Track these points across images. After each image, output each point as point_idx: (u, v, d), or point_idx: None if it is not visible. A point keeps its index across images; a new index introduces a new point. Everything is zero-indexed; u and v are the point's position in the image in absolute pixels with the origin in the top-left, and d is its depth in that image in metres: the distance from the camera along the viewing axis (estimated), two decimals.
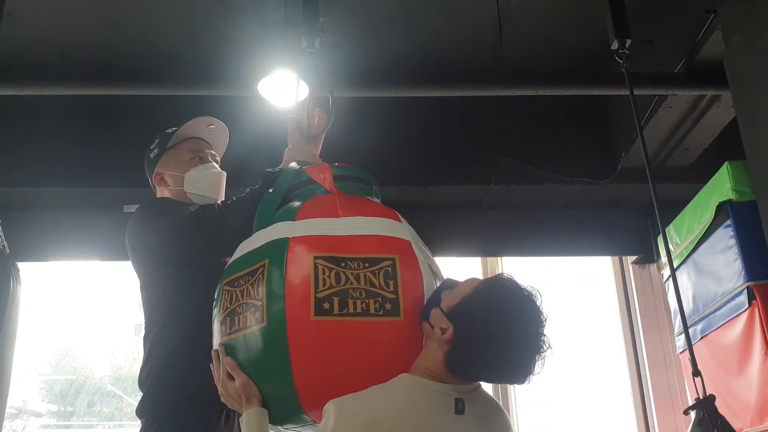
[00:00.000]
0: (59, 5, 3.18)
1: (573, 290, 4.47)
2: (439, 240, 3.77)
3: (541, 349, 1.35)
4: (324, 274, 1.34)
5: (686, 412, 1.99)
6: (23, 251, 3.21)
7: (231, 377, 1.43)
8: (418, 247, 1.50)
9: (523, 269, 4.22)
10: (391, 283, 1.36)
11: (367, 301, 1.32)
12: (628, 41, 2.47)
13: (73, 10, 3.21)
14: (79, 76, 3.00)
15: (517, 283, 1.38)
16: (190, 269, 1.76)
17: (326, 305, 1.31)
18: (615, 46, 2.49)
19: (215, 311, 1.52)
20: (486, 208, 3.84)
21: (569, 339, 4.47)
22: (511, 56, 3.24)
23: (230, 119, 3.56)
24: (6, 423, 1.84)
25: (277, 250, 1.41)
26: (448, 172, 3.69)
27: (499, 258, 4.00)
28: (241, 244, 1.55)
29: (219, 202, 1.93)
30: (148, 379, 1.80)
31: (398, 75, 3.22)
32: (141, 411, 1.78)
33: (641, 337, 3.77)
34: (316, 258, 1.36)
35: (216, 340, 1.49)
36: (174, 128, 2.14)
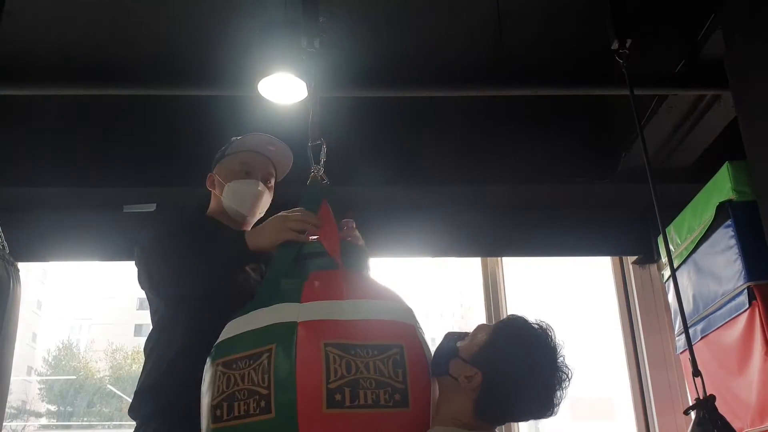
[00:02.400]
0: (59, 5, 3.18)
1: (573, 290, 4.47)
2: (439, 240, 3.78)
3: (565, 379, 1.40)
4: (335, 363, 1.27)
5: (686, 412, 1.99)
6: (23, 251, 3.20)
7: None
8: (419, 330, 1.47)
9: (523, 269, 4.23)
10: (399, 372, 1.31)
11: (377, 391, 1.28)
12: (628, 41, 2.47)
13: (73, 10, 3.21)
14: (79, 76, 3.00)
15: (531, 321, 1.44)
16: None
17: (338, 396, 1.25)
18: (615, 46, 2.49)
19: (206, 391, 1.39)
20: (486, 208, 3.84)
21: (569, 339, 4.47)
22: (511, 56, 3.24)
23: (230, 119, 3.60)
24: (6, 423, 1.84)
25: (285, 334, 1.32)
26: (447, 172, 3.69)
27: (499, 258, 4.00)
28: (235, 321, 1.45)
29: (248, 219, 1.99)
30: (145, 382, 1.80)
31: (398, 75, 3.22)
32: (132, 413, 1.79)
33: (641, 337, 3.77)
34: (326, 345, 1.29)
35: (206, 423, 1.37)
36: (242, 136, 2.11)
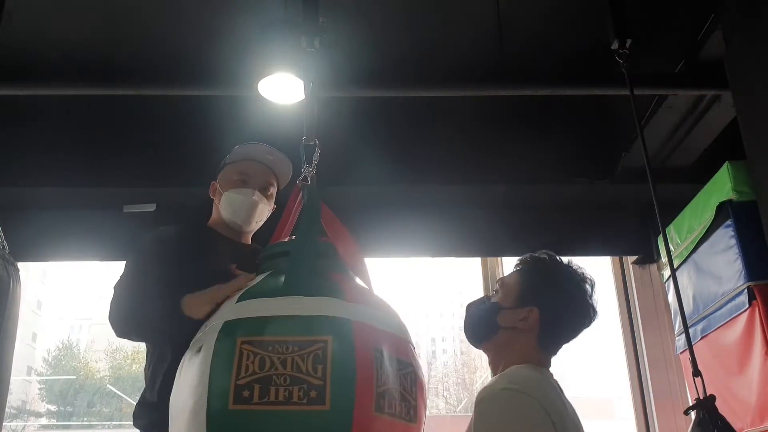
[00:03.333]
0: (59, 5, 3.18)
1: None
2: (439, 240, 3.78)
3: (592, 285, 1.64)
4: (380, 368, 1.32)
5: (686, 412, 2.00)
6: (23, 251, 3.21)
7: None
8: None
9: None
10: (414, 389, 1.42)
11: (402, 404, 1.36)
12: (629, 41, 2.47)
13: (73, 10, 3.21)
14: (79, 76, 3.01)
15: (542, 253, 1.68)
16: None
17: (382, 402, 1.30)
18: (615, 46, 2.50)
19: (219, 367, 1.30)
20: (486, 208, 3.84)
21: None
22: (511, 56, 3.24)
23: (230, 119, 3.60)
24: (6, 423, 1.84)
25: (342, 330, 1.32)
26: (447, 172, 3.69)
27: (499, 258, 4.00)
28: (257, 301, 1.40)
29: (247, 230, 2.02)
30: (145, 393, 1.81)
31: (398, 75, 3.22)
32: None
33: (641, 337, 3.77)
34: (375, 350, 1.34)
35: (221, 402, 1.26)
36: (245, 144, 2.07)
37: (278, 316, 1.35)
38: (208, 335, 1.36)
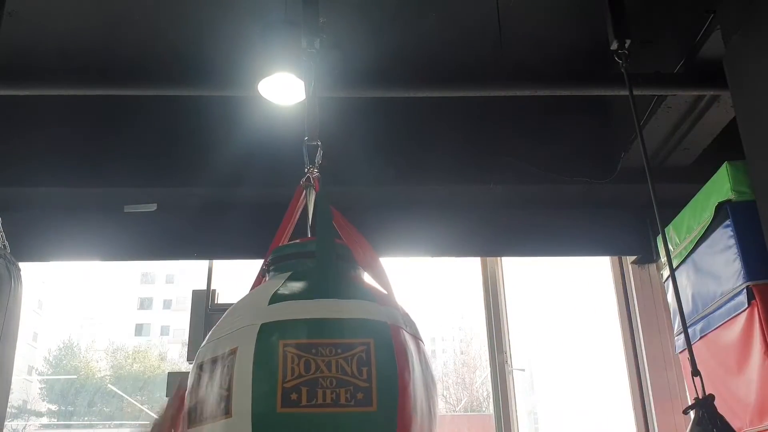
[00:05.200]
0: (59, 5, 3.18)
1: (572, 290, 4.48)
2: (439, 240, 3.78)
3: None
4: (413, 370, 1.37)
5: (686, 412, 2.00)
6: (23, 251, 3.21)
7: None
8: None
9: (522, 269, 4.23)
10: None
11: (427, 403, 1.40)
12: (628, 41, 2.47)
13: (73, 10, 3.21)
14: (79, 76, 3.01)
15: None
16: None
17: (416, 402, 1.34)
18: (615, 46, 2.50)
19: (265, 371, 1.28)
20: (486, 208, 3.84)
21: (569, 339, 4.47)
22: (511, 56, 3.25)
23: (230, 119, 3.60)
24: (6, 423, 1.84)
25: (381, 333, 1.35)
26: (447, 172, 3.70)
27: (499, 258, 4.01)
28: (289, 304, 1.40)
29: None
30: None
31: (398, 75, 3.22)
32: None
33: (641, 337, 3.78)
34: (408, 352, 1.37)
35: (267, 405, 1.25)
36: None
37: (318, 319, 1.36)
38: (243, 337, 1.33)
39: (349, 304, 1.39)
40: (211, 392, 1.32)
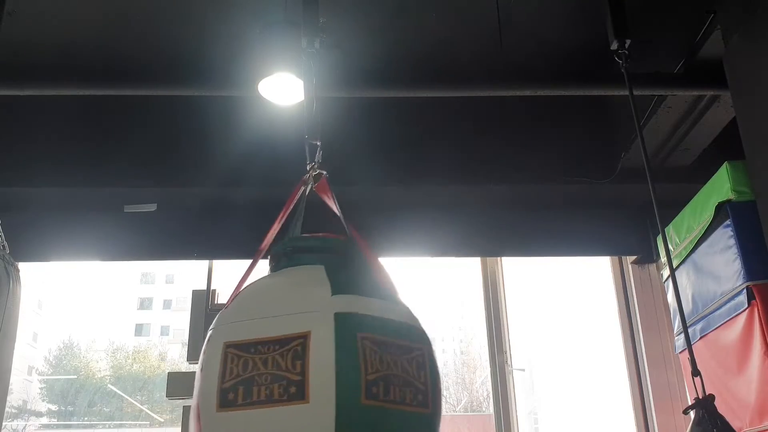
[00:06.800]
0: (59, 5, 3.18)
1: (572, 290, 4.48)
2: (439, 240, 3.78)
3: None
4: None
5: (686, 412, 2.00)
6: (23, 251, 3.21)
7: None
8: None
9: (522, 269, 4.23)
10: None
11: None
12: (628, 41, 2.47)
13: (73, 10, 3.21)
14: (79, 76, 3.01)
15: None
16: None
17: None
18: (615, 46, 2.50)
19: (344, 358, 1.26)
20: (486, 208, 3.84)
21: (569, 339, 4.47)
22: (511, 56, 3.25)
23: (230, 119, 3.60)
24: (6, 423, 1.84)
25: (428, 338, 1.42)
26: (447, 172, 3.70)
27: (499, 258, 4.01)
28: (359, 299, 1.37)
29: None
30: None
31: (398, 75, 3.22)
32: None
33: (641, 337, 3.78)
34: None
35: (353, 397, 1.24)
36: None
37: (385, 318, 1.36)
38: (316, 322, 1.28)
39: (401, 308, 1.43)
40: (267, 374, 1.24)
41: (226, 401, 1.23)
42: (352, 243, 1.54)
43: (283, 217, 1.70)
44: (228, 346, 1.29)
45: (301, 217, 1.66)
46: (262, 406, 1.21)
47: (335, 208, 1.64)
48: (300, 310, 1.32)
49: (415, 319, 1.43)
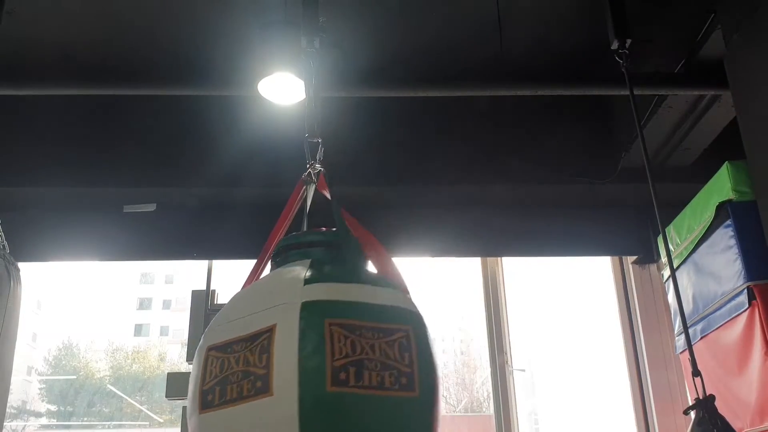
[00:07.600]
0: (59, 5, 3.18)
1: (573, 290, 4.48)
2: (439, 240, 3.78)
3: None
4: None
5: (686, 412, 2.00)
6: (23, 251, 3.21)
7: None
8: None
9: (523, 269, 4.23)
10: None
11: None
12: (628, 41, 2.47)
13: (73, 10, 3.21)
14: (79, 76, 3.01)
15: None
16: None
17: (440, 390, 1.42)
18: (615, 46, 2.50)
19: (308, 346, 1.24)
20: (486, 208, 3.84)
21: (569, 339, 4.47)
22: (511, 56, 3.24)
23: (230, 119, 3.60)
24: (6, 423, 1.84)
25: (418, 321, 1.38)
26: (448, 172, 3.70)
27: (499, 258, 4.00)
28: (333, 286, 1.36)
29: None
30: None
31: (398, 75, 3.22)
32: None
33: (641, 337, 3.78)
34: (434, 341, 1.43)
35: (317, 384, 1.22)
36: None
37: (360, 302, 1.34)
38: (282, 314, 1.28)
39: (385, 291, 1.39)
40: (238, 371, 1.25)
41: (206, 402, 1.25)
42: (345, 233, 1.51)
43: (286, 218, 1.70)
44: (210, 349, 1.30)
45: (305, 216, 1.66)
46: (235, 403, 1.22)
47: (331, 200, 1.64)
48: (270, 305, 1.32)
49: (406, 301, 1.39)
